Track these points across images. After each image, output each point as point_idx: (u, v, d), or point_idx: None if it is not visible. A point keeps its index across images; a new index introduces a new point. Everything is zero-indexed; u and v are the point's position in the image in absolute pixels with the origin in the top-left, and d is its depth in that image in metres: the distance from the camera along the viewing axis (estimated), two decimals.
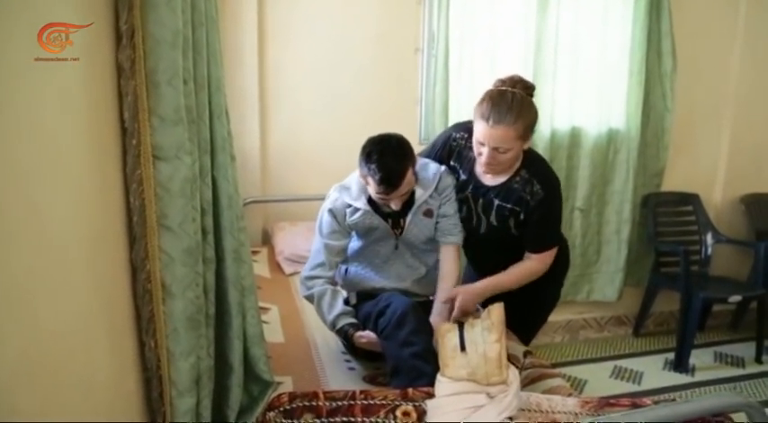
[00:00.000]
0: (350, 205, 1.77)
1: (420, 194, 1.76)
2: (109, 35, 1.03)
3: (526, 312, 1.88)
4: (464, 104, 2.87)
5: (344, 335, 1.70)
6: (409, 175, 1.67)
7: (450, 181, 1.83)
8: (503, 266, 1.82)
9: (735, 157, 3.44)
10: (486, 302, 1.52)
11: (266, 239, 2.85)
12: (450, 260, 1.83)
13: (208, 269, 1.26)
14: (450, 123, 2.87)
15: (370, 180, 1.66)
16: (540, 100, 2.98)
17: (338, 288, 1.81)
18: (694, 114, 3.32)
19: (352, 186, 1.79)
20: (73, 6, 0.91)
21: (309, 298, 1.77)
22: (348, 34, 2.82)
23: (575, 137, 3.12)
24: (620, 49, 3.07)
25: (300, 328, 2.00)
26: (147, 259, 1.10)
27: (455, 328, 0.92)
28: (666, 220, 3.32)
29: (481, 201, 1.81)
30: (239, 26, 2.66)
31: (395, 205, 1.72)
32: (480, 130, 1.67)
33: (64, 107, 0.90)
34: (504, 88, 1.69)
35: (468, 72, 2.90)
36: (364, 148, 1.68)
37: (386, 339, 1.58)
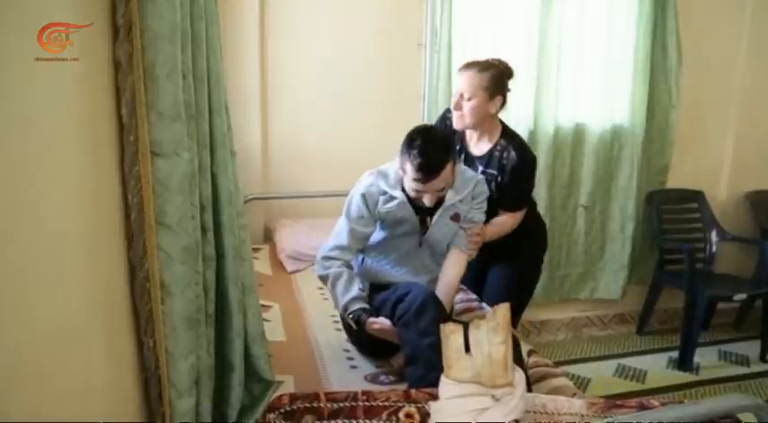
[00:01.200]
0: (385, 192, 1.76)
1: (450, 196, 1.76)
2: (106, 30, 1.01)
3: (509, 292, 2.05)
4: None
5: (357, 320, 1.65)
6: (448, 169, 1.68)
7: (485, 189, 1.88)
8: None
9: (740, 154, 3.42)
10: (492, 303, 1.52)
11: (268, 237, 2.83)
12: (457, 268, 1.83)
13: (208, 267, 1.24)
14: None
15: (409, 167, 1.66)
16: (544, 96, 2.98)
17: (354, 274, 1.77)
18: (699, 110, 3.29)
19: (390, 174, 1.78)
20: (73, 6, 0.90)
21: (324, 278, 1.74)
22: (350, 29, 2.79)
23: (579, 133, 3.10)
24: (624, 44, 3.04)
25: (302, 326, 1.99)
26: (145, 257, 1.09)
27: (460, 328, 0.90)
28: (671, 218, 3.30)
29: (470, 169, 1.96)
30: (241, 20, 2.63)
31: (428, 201, 1.70)
32: (456, 80, 1.98)
33: (61, 104, 0.88)
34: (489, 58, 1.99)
35: None
36: (409, 134, 1.69)
37: (404, 326, 1.55)
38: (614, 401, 1.08)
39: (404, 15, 2.85)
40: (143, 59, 1.01)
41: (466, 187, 1.80)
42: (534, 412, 0.99)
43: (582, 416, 1.02)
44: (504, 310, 0.90)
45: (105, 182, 1.03)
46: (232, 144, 1.34)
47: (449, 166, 1.67)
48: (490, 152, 1.99)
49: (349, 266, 1.77)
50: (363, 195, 1.76)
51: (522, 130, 2.96)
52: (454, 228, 1.81)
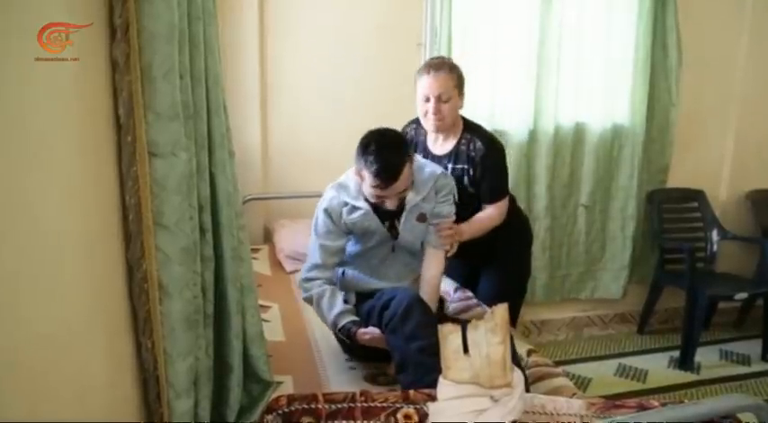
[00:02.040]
0: (347, 204, 1.74)
1: (411, 198, 1.73)
2: (104, 30, 1.01)
3: (502, 291, 2.06)
4: (466, 99, 2.84)
5: (347, 333, 1.65)
6: (406, 170, 1.66)
7: (446, 182, 1.83)
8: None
9: (740, 153, 3.41)
10: (491, 304, 1.51)
11: (267, 237, 2.83)
12: (435, 265, 1.81)
13: (206, 268, 1.24)
14: None
15: (366, 174, 1.64)
16: (543, 95, 2.97)
17: (336, 288, 1.77)
18: (700, 109, 3.29)
19: (349, 185, 1.76)
20: (72, 6, 0.90)
21: (308, 300, 1.75)
22: (350, 28, 2.79)
23: (579, 132, 3.09)
24: (624, 43, 3.04)
25: (301, 326, 1.98)
26: (143, 258, 1.08)
27: (458, 329, 0.89)
28: (671, 217, 3.29)
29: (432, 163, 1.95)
30: (240, 20, 2.63)
31: (390, 204, 1.69)
32: (424, 85, 1.93)
33: (59, 104, 0.88)
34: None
35: (470, 67, 2.86)
36: (361, 141, 1.67)
37: (391, 333, 1.53)
38: (613, 402, 1.08)
39: (403, 15, 2.84)
40: (140, 60, 1.01)
41: (426, 186, 1.76)
42: (533, 413, 0.99)
43: (581, 416, 1.01)
44: (502, 310, 0.89)
45: (103, 182, 1.03)
46: (230, 144, 1.34)
47: (407, 168, 1.65)
48: (456, 148, 2.00)
49: (331, 283, 1.76)
50: (326, 210, 1.75)
51: (522, 130, 2.97)
52: (423, 227, 1.78)
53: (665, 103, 3.16)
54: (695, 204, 3.35)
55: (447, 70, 1.92)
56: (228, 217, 1.32)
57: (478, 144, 1.97)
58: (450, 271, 2.11)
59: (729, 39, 3.29)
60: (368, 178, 1.64)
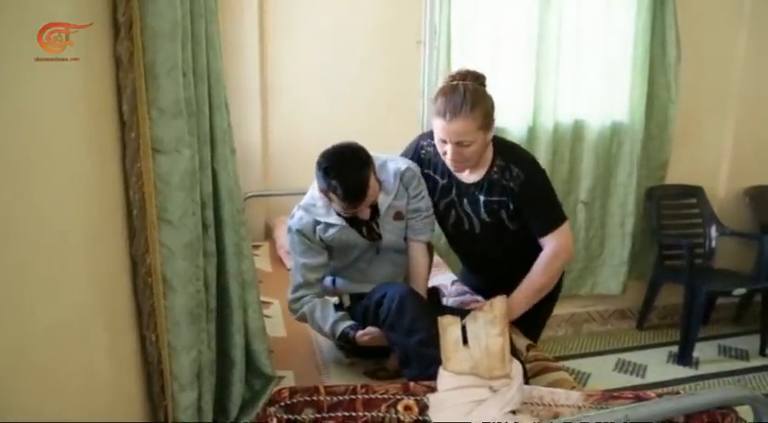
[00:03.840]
0: (320, 222, 1.70)
1: (383, 199, 1.71)
2: (108, 29, 1.02)
3: (532, 312, 1.82)
4: None
5: (346, 338, 1.63)
6: (372, 182, 1.62)
7: (413, 174, 1.76)
8: (507, 267, 1.76)
9: (739, 150, 3.42)
10: (490, 296, 1.50)
11: (268, 234, 2.84)
12: (420, 259, 1.79)
13: (209, 263, 1.25)
14: None
15: (334, 196, 1.60)
16: (543, 92, 2.98)
17: (326, 299, 1.75)
18: (698, 106, 3.30)
19: (316, 203, 1.71)
20: (72, 6, 0.90)
21: (301, 318, 1.73)
22: (350, 26, 2.80)
23: (578, 129, 3.10)
24: (623, 40, 3.05)
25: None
26: (147, 253, 1.10)
27: (457, 321, 0.91)
28: (670, 213, 3.30)
29: (466, 200, 1.78)
30: (240, 18, 2.64)
31: (363, 215, 1.65)
32: (439, 127, 1.65)
33: (63, 102, 0.89)
34: (455, 82, 1.66)
35: (470, 64, 2.86)
36: (319, 164, 1.60)
37: (389, 329, 1.53)
38: (611, 393, 1.09)
39: (403, 13, 2.85)
40: (144, 57, 1.02)
41: (393, 184, 1.72)
42: (532, 404, 1.01)
43: (579, 407, 1.03)
44: (500, 302, 0.91)
45: (107, 179, 1.04)
46: (232, 141, 1.35)
47: (372, 180, 1.62)
48: (488, 177, 1.74)
49: (319, 296, 1.73)
50: (299, 231, 1.71)
51: (521, 127, 2.98)
52: (402, 224, 1.76)
53: (664, 100, 3.17)
54: (694, 201, 3.36)
55: (466, 114, 1.60)
56: (230, 213, 1.33)
57: (516, 172, 1.71)
58: (477, 291, 2.02)
59: (728, 35, 3.30)
60: (336, 199, 1.61)
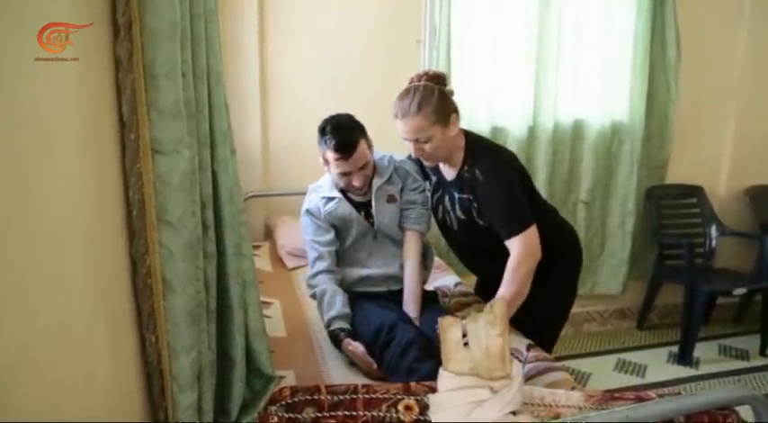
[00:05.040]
0: (323, 197, 1.89)
1: (377, 182, 1.87)
2: (107, 29, 1.02)
3: (544, 323, 1.85)
4: (466, 96, 2.85)
5: (335, 339, 1.73)
6: (363, 144, 1.80)
7: (408, 168, 1.93)
8: (493, 265, 1.75)
9: (739, 149, 3.42)
10: (488, 298, 1.50)
11: (268, 234, 2.84)
12: (412, 245, 1.90)
13: (209, 264, 1.25)
14: None
15: (329, 153, 1.77)
16: (543, 92, 2.98)
17: (338, 289, 1.83)
18: (698, 106, 3.30)
19: (323, 184, 1.94)
20: (73, 6, 0.90)
21: (313, 297, 1.86)
22: (349, 26, 2.80)
23: (578, 129, 3.10)
24: (623, 39, 3.05)
25: (303, 322, 2.00)
26: (147, 254, 1.10)
27: (458, 322, 0.91)
28: (670, 213, 3.31)
29: (447, 197, 1.86)
30: (240, 18, 2.64)
31: (357, 181, 1.80)
32: (397, 128, 1.75)
33: (62, 103, 0.89)
34: (409, 85, 1.76)
35: (470, 64, 2.88)
36: (319, 128, 1.81)
37: (391, 373, 1.58)
38: (612, 394, 1.09)
39: (403, 12, 2.85)
40: (143, 58, 1.02)
41: (387, 169, 1.90)
42: (532, 404, 1.01)
43: (580, 408, 1.03)
44: (500, 303, 0.91)
45: (107, 179, 1.04)
46: (232, 142, 1.35)
47: (363, 143, 1.80)
48: (461, 175, 1.79)
49: (335, 279, 1.85)
50: (308, 211, 1.91)
51: (521, 127, 2.98)
52: (395, 209, 1.90)
53: (664, 100, 3.17)
54: (694, 200, 3.36)
55: (414, 112, 1.68)
56: (230, 213, 1.33)
57: (477, 173, 1.74)
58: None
59: (728, 35, 3.29)
60: (330, 157, 1.78)
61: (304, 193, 2.76)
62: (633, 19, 3.02)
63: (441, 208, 1.90)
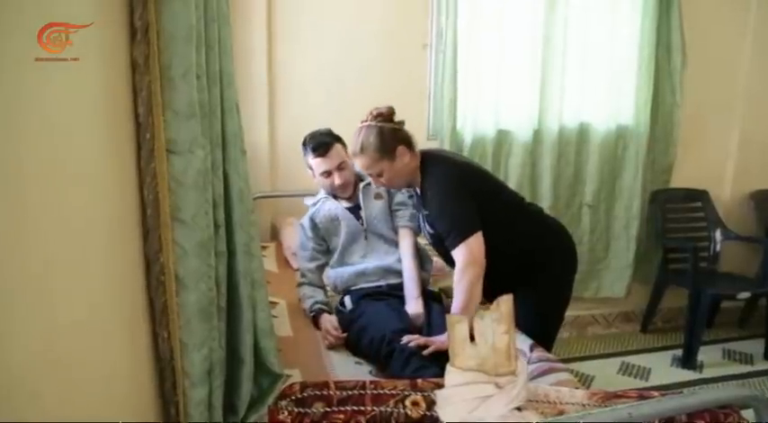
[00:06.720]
0: (316, 203, 2.10)
1: (362, 184, 2.07)
2: (124, 32, 1.04)
3: (536, 324, 1.84)
4: (472, 99, 2.88)
5: (314, 314, 1.96)
6: (339, 146, 2.02)
7: None
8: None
9: (744, 153, 3.43)
10: (496, 295, 1.51)
11: (274, 235, 2.87)
12: (406, 240, 2.03)
13: (220, 262, 1.28)
14: (459, 118, 2.89)
15: (309, 157, 2.02)
16: (548, 95, 3.01)
17: (320, 290, 2.08)
18: (704, 110, 3.31)
19: (315, 196, 2.16)
20: (74, 6, 0.91)
21: (300, 299, 2.09)
22: (356, 30, 2.83)
23: (583, 133, 3.12)
24: (629, 43, 3.07)
25: (308, 322, 2.02)
26: (160, 252, 1.12)
27: (465, 319, 0.93)
28: (675, 217, 3.32)
29: (420, 214, 1.97)
30: (249, 22, 2.67)
31: (338, 179, 2.01)
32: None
33: (81, 104, 0.91)
34: (360, 124, 1.83)
35: (476, 67, 2.91)
36: (301, 142, 2.06)
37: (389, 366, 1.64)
38: (615, 392, 1.11)
39: (409, 16, 2.88)
40: (159, 60, 1.05)
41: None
42: (537, 401, 1.02)
43: (583, 405, 1.05)
44: (507, 301, 0.93)
45: (124, 179, 1.06)
46: (243, 143, 1.37)
47: (338, 145, 2.03)
48: (422, 193, 1.87)
49: (316, 276, 2.11)
50: (301, 224, 2.14)
51: (526, 130, 3.00)
52: (383, 206, 2.07)
53: (669, 104, 3.19)
54: (699, 204, 3.37)
55: (359, 152, 1.81)
56: (241, 213, 1.35)
57: (426, 188, 1.82)
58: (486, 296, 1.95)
59: (733, 39, 3.31)
60: (311, 160, 2.02)
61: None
62: (639, 23, 3.04)
63: (420, 224, 2.01)
